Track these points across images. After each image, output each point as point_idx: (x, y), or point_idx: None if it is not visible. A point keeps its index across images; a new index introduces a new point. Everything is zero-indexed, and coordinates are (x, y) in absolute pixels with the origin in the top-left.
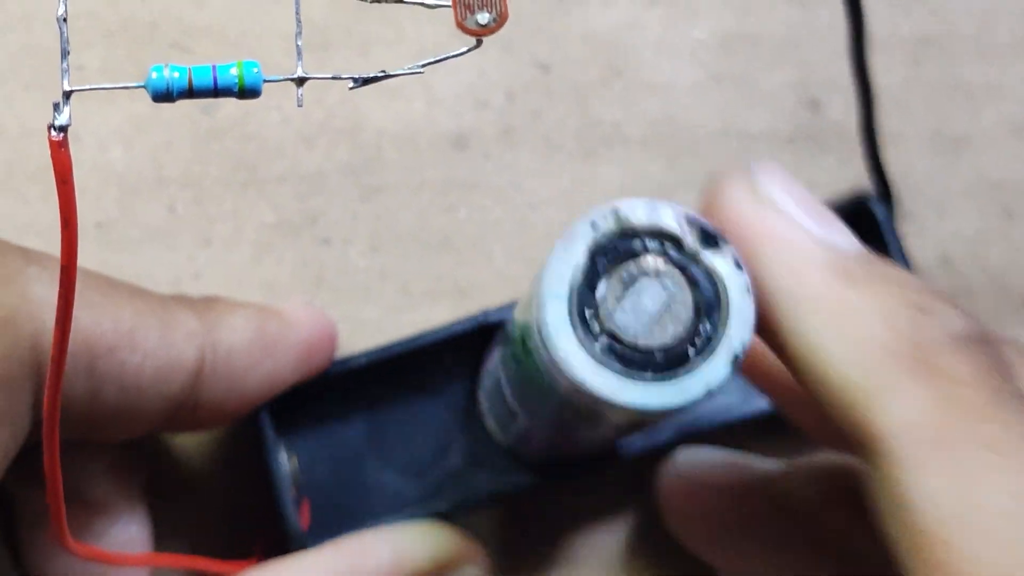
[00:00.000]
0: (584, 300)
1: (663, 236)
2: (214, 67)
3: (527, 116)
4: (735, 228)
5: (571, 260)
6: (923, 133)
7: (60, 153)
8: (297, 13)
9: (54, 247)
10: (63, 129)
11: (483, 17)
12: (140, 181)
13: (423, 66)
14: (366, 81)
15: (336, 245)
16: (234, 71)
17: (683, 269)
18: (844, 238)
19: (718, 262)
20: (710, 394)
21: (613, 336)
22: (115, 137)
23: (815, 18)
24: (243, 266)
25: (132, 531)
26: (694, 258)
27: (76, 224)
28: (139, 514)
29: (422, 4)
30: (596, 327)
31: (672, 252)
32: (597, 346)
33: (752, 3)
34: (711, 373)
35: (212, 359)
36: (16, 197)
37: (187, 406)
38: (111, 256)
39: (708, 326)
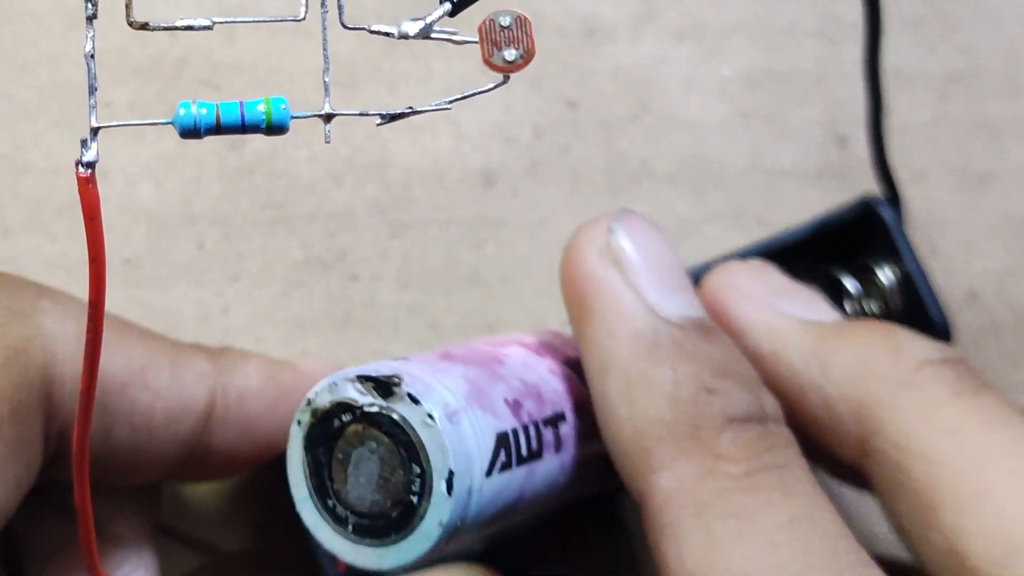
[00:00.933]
0: (322, 492)
1: (351, 407)
2: (242, 103)
3: (555, 152)
4: (573, 279)
5: (295, 463)
6: (949, 169)
7: (88, 189)
8: (325, 50)
9: (82, 284)
10: (91, 165)
11: (510, 53)
12: (168, 217)
13: (451, 102)
14: (394, 117)
15: (364, 281)
16: (262, 107)
17: (379, 426)
18: (682, 305)
19: (399, 407)
20: (447, 529)
21: (355, 512)
22: (144, 174)
23: (843, 55)
24: (272, 302)
25: (140, 573)
26: (381, 414)
27: (104, 260)
28: (148, 556)
29: (450, 40)
30: (341, 511)
31: (364, 416)
32: (349, 527)
33: (780, 40)
34: (437, 509)
35: (223, 402)
36: (43, 234)
37: (198, 451)
38: (139, 292)
39: (418, 468)
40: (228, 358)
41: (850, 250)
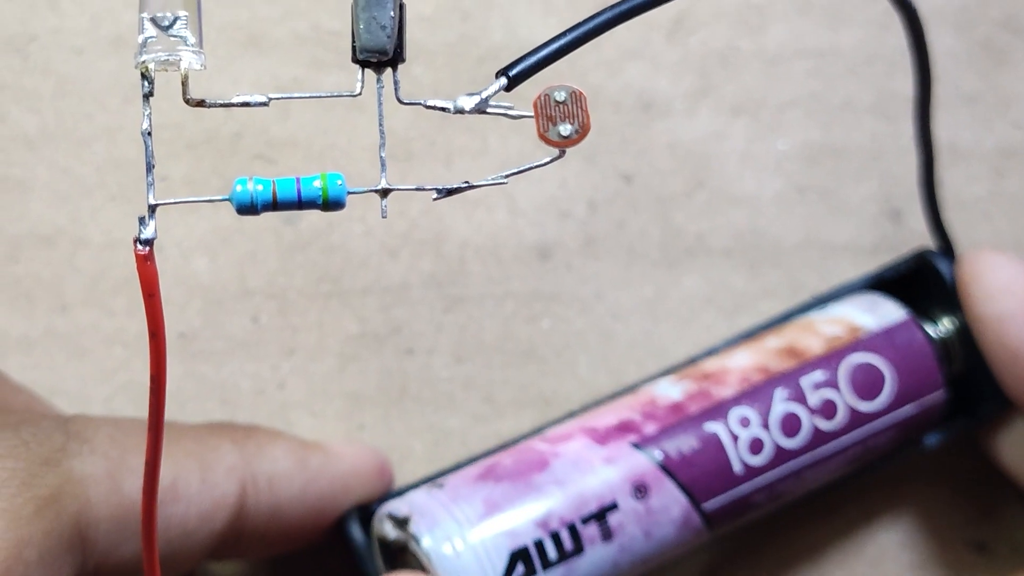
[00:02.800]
0: None
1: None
2: (298, 179)
3: (610, 226)
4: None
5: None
6: (1006, 244)
7: (146, 267)
8: (381, 125)
9: (139, 357)
10: (149, 243)
11: (565, 128)
12: (224, 292)
13: (506, 177)
14: (450, 192)
15: (420, 355)
16: (318, 183)
17: (407, 552)
18: None
19: (411, 543)
20: None
21: None
22: (199, 248)
23: (898, 130)
24: (327, 376)
25: None
26: (405, 546)
27: (164, 335)
28: None
29: (505, 115)
30: None
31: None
32: None
33: (837, 116)
34: None
35: (254, 491)
36: (101, 309)
37: (231, 539)
38: (194, 367)
39: None
40: (256, 442)
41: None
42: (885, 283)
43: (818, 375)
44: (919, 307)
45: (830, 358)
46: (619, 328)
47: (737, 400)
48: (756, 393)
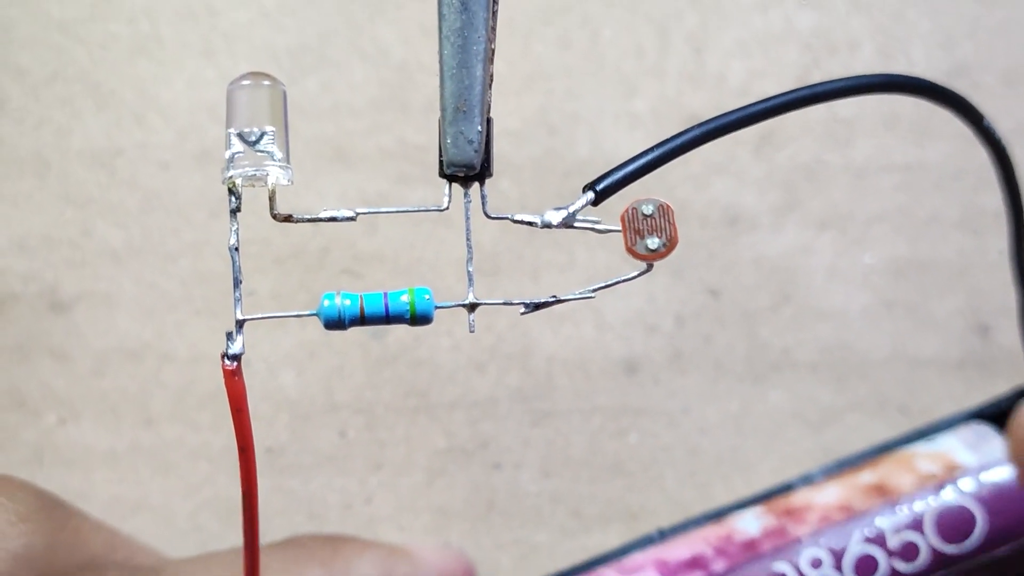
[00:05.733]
0: None
1: None
2: (386, 294)
3: (697, 341)
4: None
5: None
6: None
7: (234, 382)
8: (468, 239)
9: (224, 472)
10: (236, 358)
11: (653, 242)
12: (312, 407)
13: (594, 291)
14: (537, 306)
15: (507, 470)
16: (406, 298)
17: None
18: None
19: None
20: None
21: None
22: (286, 362)
23: (986, 244)
24: (415, 491)
25: None
26: None
27: (253, 450)
28: None
29: (592, 229)
30: None
31: None
32: None
33: (923, 230)
34: None
35: None
36: (187, 423)
37: None
38: (282, 481)
39: None
40: (342, 558)
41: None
42: (983, 419)
43: (902, 517)
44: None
45: (919, 500)
46: (706, 443)
47: (813, 539)
48: (833, 533)
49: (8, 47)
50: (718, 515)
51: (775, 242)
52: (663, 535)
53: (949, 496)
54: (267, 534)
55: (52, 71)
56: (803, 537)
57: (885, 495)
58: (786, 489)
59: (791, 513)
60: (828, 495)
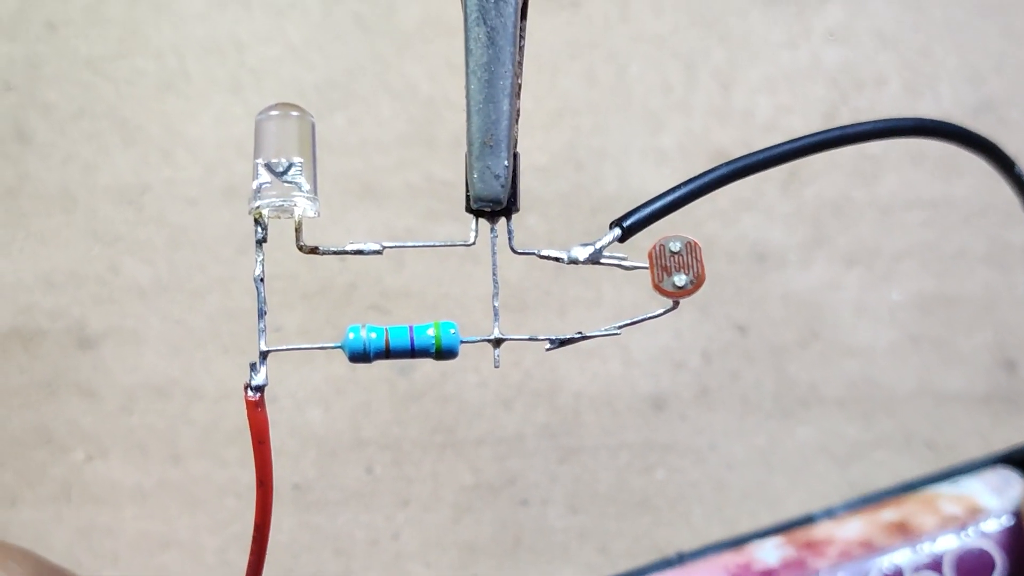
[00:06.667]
0: None
1: None
2: (411, 328)
3: (724, 377)
4: None
5: None
6: None
7: (256, 413)
8: (494, 274)
9: (252, 508)
10: (260, 389)
11: (680, 279)
12: (338, 443)
13: (620, 327)
14: (563, 342)
15: (534, 506)
16: (432, 332)
17: None
18: None
19: None
20: None
21: None
22: (313, 398)
23: (1013, 281)
24: (441, 527)
25: None
26: None
27: (271, 484)
28: None
29: (619, 266)
30: None
31: None
32: None
33: (951, 266)
34: None
35: None
36: (214, 460)
37: None
38: (309, 518)
39: None
40: None
41: None
42: (1013, 462)
43: (922, 556)
44: None
45: (939, 541)
46: (733, 478)
47: (831, 573)
48: (852, 568)
49: (36, 83)
50: (738, 543)
51: (802, 278)
52: (682, 559)
53: (970, 538)
54: (293, 571)
55: (79, 107)
56: (821, 570)
57: (906, 534)
58: (807, 521)
59: (811, 546)
60: (850, 530)
